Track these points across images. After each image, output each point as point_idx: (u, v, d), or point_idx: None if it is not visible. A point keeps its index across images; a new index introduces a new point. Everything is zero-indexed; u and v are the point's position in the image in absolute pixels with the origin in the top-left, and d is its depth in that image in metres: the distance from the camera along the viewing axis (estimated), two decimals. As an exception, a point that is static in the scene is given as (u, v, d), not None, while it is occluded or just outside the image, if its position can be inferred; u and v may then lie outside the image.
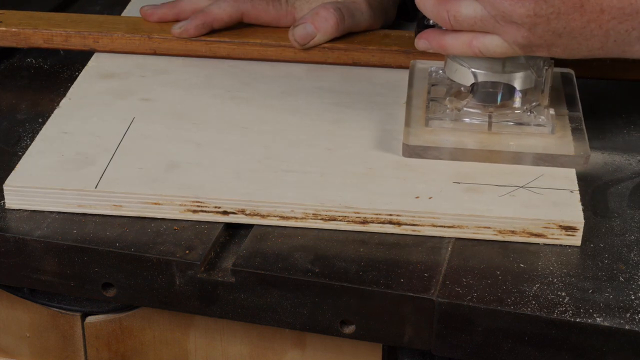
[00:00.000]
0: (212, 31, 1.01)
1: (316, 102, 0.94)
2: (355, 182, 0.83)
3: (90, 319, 0.88)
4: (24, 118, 0.95)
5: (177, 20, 1.02)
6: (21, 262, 0.82)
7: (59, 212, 0.83)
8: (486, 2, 0.81)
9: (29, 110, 0.97)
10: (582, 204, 0.81)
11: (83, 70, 0.99)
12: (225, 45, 1.00)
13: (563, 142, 0.87)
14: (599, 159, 0.89)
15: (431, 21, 0.87)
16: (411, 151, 0.86)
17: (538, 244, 0.80)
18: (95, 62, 1.01)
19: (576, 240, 0.79)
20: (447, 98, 0.90)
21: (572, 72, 0.96)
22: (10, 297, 0.89)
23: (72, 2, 1.18)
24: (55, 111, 0.93)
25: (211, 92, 0.96)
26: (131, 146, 0.87)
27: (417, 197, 0.81)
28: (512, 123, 0.88)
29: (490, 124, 0.88)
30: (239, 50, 1.00)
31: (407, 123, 0.88)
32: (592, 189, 0.85)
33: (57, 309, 0.88)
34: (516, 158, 0.85)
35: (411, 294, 0.75)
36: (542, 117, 0.88)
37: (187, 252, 0.79)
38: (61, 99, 0.95)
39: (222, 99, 0.95)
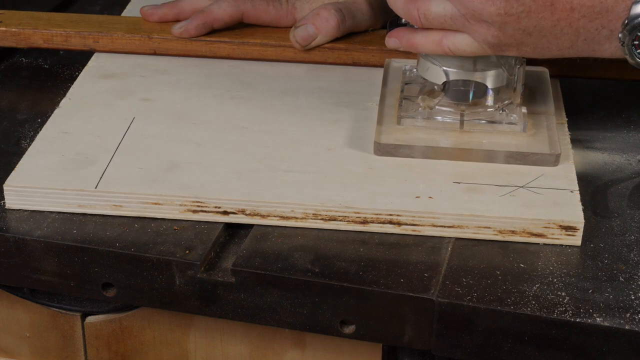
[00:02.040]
0: (212, 31, 1.01)
1: (316, 102, 0.94)
2: (355, 182, 0.83)
3: (90, 319, 0.88)
4: (24, 118, 0.95)
5: (177, 20, 1.02)
6: (21, 262, 0.82)
7: (59, 212, 0.83)
8: (456, 1, 0.81)
9: (29, 110, 0.97)
10: (582, 204, 0.81)
11: (83, 70, 0.99)
12: (225, 46, 1.01)
13: (535, 140, 0.87)
14: (599, 159, 0.89)
15: (403, 20, 0.87)
16: (383, 150, 0.86)
17: (538, 244, 0.80)
18: (95, 62, 1.01)
19: (576, 240, 0.79)
20: (420, 96, 0.90)
21: (546, 70, 0.96)
22: (10, 297, 0.89)
23: (72, 2, 1.18)
24: (56, 111, 0.93)
25: (211, 92, 0.96)
26: (131, 146, 0.87)
27: (417, 197, 0.81)
28: (484, 121, 0.88)
29: (462, 123, 0.88)
30: (239, 50, 1.00)
31: (380, 121, 0.89)
32: (592, 189, 0.85)
33: (57, 309, 0.88)
34: (488, 156, 0.85)
35: (411, 294, 0.75)
36: (514, 116, 0.88)
37: (187, 252, 0.79)
38: (61, 99, 0.95)
39: (222, 99, 0.95)
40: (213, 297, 0.79)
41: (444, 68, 0.87)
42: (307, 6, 1.01)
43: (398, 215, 0.80)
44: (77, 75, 0.99)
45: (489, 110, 0.88)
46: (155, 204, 0.82)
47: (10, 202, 0.83)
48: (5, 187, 0.83)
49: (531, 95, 0.92)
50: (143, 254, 0.79)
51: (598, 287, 0.76)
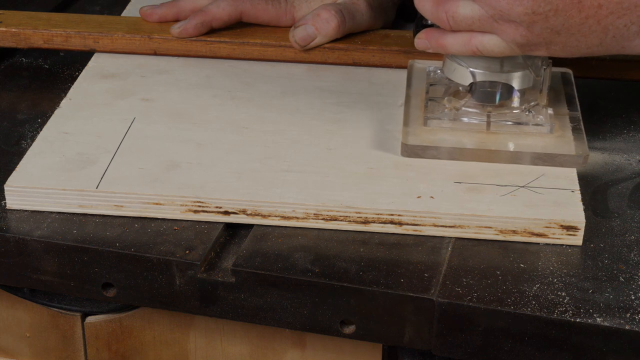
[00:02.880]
0: (212, 30, 1.01)
1: (316, 102, 0.94)
2: (356, 182, 0.83)
3: (90, 319, 0.88)
4: (24, 118, 0.95)
5: (176, 20, 1.02)
6: (21, 262, 0.82)
7: (59, 212, 0.83)
8: (483, 2, 0.81)
9: (29, 110, 0.97)
10: (582, 204, 0.81)
11: (83, 71, 0.99)
12: (225, 46, 1.01)
13: (562, 141, 0.87)
14: (599, 159, 0.89)
15: (429, 21, 0.87)
16: (410, 151, 0.86)
17: (538, 243, 0.80)
18: (96, 62, 1.01)
19: (577, 240, 0.79)
20: (446, 98, 0.90)
21: (570, 71, 0.96)
22: (10, 297, 0.89)
23: (72, 2, 1.18)
24: (56, 111, 0.93)
25: (211, 92, 0.96)
26: (132, 146, 0.87)
27: (418, 197, 0.81)
28: (510, 123, 0.88)
29: (488, 124, 0.88)
30: (239, 50, 1.00)
31: (406, 123, 0.89)
32: (592, 189, 0.85)
33: (57, 309, 0.88)
34: (515, 158, 0.85)
35: (411, 294, 0.75)
36: (541, 117, 0.88)
37: (187, 252, 0.79)
38: (61, 99, 0.95)
39: (223, 99, 0.95)
40: (213, 297, 0.79)
41: (471, 69, 0.87)
42: (306, 5, 1.01)
43: (399, 215, 0.80)
44: (77, 75, 0.99)
45: (514, 111, 0.88)
46: (156, 204, 0.82)
47: (11, 202, 0.83)
48: (6, 188, 0.83)
49: (556, 96, 0.92)
50: (143, 254, 0.79)
51: (598, 287, 0.76)
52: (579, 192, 0.82)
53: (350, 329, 0.78)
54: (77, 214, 0.83)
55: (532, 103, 0.89)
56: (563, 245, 0.80)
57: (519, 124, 0.88)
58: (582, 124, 0.89)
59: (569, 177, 0.84)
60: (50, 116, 0.92)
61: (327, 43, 0.99)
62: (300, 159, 0.86)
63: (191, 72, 0.99)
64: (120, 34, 1.01)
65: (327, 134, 0.89)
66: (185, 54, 1.01)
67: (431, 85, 0.92)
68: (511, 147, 0.86)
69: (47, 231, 0.81)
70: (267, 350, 0.86)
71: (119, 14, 1.12)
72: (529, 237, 0.80)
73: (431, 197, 0.81)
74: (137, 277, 0.80)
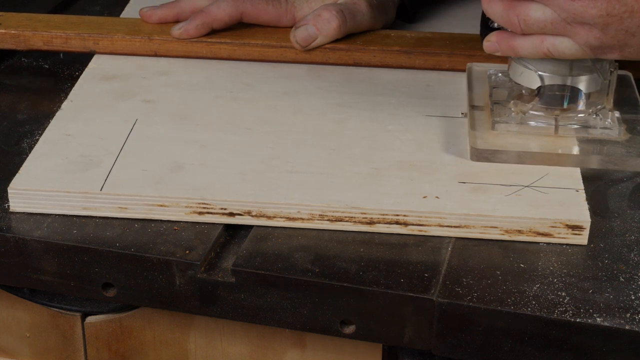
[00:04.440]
0: (213, 31, 1.01)
1: (318, 103, 0.94)
2: (360, 183, 0.83)
3: (90, 319, 0.88)
4: (24, 119, 0.95)
5: (177, 21, 1.02)
6: (21, 262, 0.82)
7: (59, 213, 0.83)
8: (555, 5, 0.80)
9: (29, 110, 0.97)
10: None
11: (84, 72, 0.99)
12: (226, 47, 1.01)
13: (630, 144, 0.86)
14: (598, 159, 0.89)
15: (496, 24, 0.86)
16: (479, 155, 0.85)
17: (538, 243, 0.80)
18: (96, 64, 1.01)
19: (582, 239, 0.79)
20: (512, 101, 0.89)
21: (630, 74, 0.95)
22: (10, 297, 0.89)
23: (71, 3, 1.18)
24: (57, 113, 0.93)
25: (213, 93, 0.96)
26: (135, 148, 0.87)
27: (423, 197, 0.81)
28: (578, 126, 0.87)
29: (556, 127, 0.87)
30: (240, 51, 1.00)
31: (472, 126, 0.88)
32: (592, 189, 0.85)
33: (57, 309, 0.88)
34: (584, 161, 0.85)
35: (411, 294, 0.75)
36: (609, 120, 0.87)
37: (187, 252, 0.79)
38: (61, 99, 0.95)
39: (224, 100, 0.95)
40: (213, 297, 0.79)
41: (539, 72, 0.86)
42: (306, 5, 1.01)
43: (404, 215, 0.80)
44: (78, 75, 0.99)
45: (581, 115, 0.88)
46: (161, 205, 0.81)
47: (15, 205, 0.83)
48: (9, 190, 0.82)
49: (619, 99, 0.91)
50: (143, 254, 0.79)
51: (598, 287, 0.76)
52: (584, 191, 0.82)
53: (350, 329, 0.78)
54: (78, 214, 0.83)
55: (599, 106, 0.88)
56: (564, 245, 0.80)
57: (587, 127, 0.87)
58: None
59: (573, 176, 0.84)
60: (50, 116, 0.92)
61: (328, 43, 0.99)
62: (304, 160, 0.86)
63: (192, 73, 0.99)
64: (120, 35, 1.01)
65: (329, 134, 0.89)
66: (186, 55, 1.01)
67: (494, 88, 0.92)
68: (580, 150, 0.85)
69: (47, 231, 0.81)
70: (267, 350, 0.86)
71: (119, 14, 1.11)
72: (535, 236, 0.80)
73: (436, 197, 0.81)
74: (137, 277, 0.80)
